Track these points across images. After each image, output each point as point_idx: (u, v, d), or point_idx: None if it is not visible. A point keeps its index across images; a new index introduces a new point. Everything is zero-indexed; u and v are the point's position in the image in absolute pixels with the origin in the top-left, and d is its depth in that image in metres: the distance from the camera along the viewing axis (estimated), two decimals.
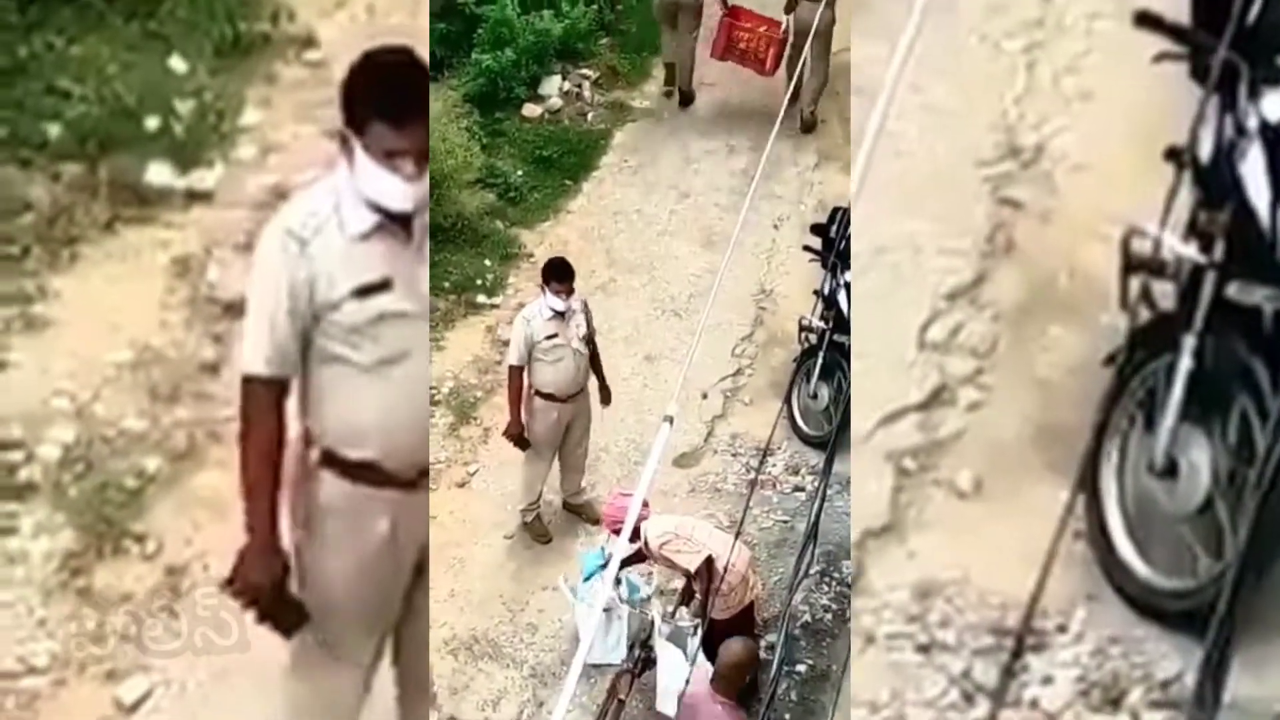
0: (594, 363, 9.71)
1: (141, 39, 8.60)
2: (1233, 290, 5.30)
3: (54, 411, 7.06)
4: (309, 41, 8.84)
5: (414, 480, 5.17)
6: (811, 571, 8.98)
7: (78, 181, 7.92)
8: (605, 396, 9.93)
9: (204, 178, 8.02)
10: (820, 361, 10.48)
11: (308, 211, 4.90)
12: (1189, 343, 5.33)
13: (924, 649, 5.59)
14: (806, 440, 10.63)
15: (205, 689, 6.44)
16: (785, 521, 10.09)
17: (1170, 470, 5.43)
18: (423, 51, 5.06)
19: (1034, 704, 5.40)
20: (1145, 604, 5.49)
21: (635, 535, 8.30)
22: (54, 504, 6.84)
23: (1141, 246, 5.42)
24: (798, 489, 10.35)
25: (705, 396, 11.05)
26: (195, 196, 7.96)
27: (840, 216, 10.86)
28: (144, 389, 7.15)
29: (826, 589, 9.54)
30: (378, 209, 4.86)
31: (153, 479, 6.94)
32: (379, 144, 4.75)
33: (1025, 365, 5.99)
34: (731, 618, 8.45)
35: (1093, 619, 5.51)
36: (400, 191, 4.81)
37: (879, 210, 6.33)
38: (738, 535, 8.02)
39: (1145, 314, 5.48)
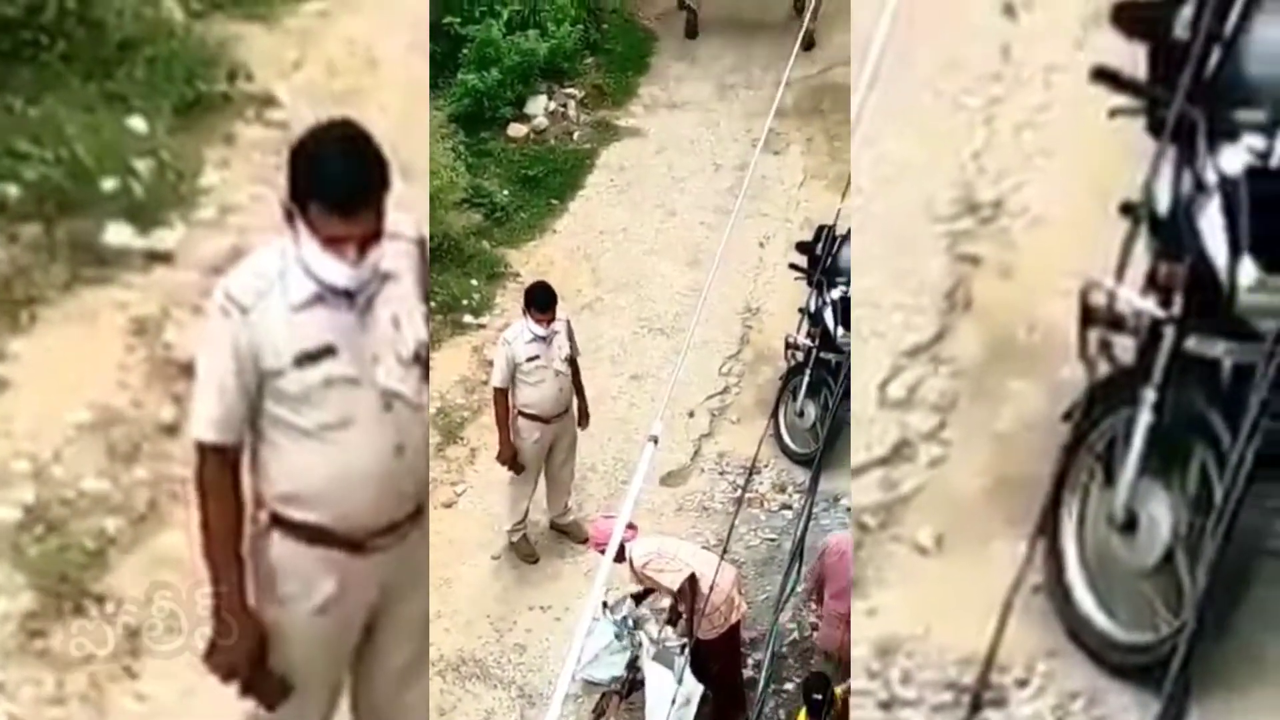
0: (575, 383, 9.71)
1: (100, 99, 8.54)
2: (1192, 343, 5.32)
3: (13, 473, 6.98)
4: (268, 101, 8.83)
5: (362, 543, 5.10)
6: (798, 589, 8.98)
7: (36, 242, 7.84)
8: (583, 419, 9.94)
9: (163, 238, 7.98)
10: (807, 379, 10.48)
11: (252, 277, 4.84)
12: (1148, 396, 5.36)
13: (885, 705, 5.59)
14: (793, 458, 10.63)
15: None
16: (772, 540, 10.09)
17: (1130, 524, 5.45)
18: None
19: None
20: (1105, 658, 5.50)
21: (620, 556, 8.28)
22: (14, 565, 6.76)
23: (1100, 300, 5.46)
24: (785, 507, 10.35)
25: (692, 415, 11.05)
26: (154, 257, 7.91)
27: (825, 234, 10.87)
28: (103, 450, 7.10)
29: (814, 606, 9.52)
30: (320, 281, 4.79)
31: (113, 540, 6.88)
32: (320, 227, 4.66)
33: (985, 420, 6.01)
34: (718, 637, 8.44)
35: (1053, 673, 5.52)
36: (342, 273, 4.74)
37: None
38: (724, 554, 8.01)
39: (1105, 367, 5.51)
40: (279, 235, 4.80)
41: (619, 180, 13.79)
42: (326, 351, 4.86)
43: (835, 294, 10.55)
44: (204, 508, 4.96)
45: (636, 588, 8.72)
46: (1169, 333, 5.33)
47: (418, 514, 5.21)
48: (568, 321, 9.64)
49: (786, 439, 10.67)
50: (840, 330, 10.41)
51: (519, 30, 14.46)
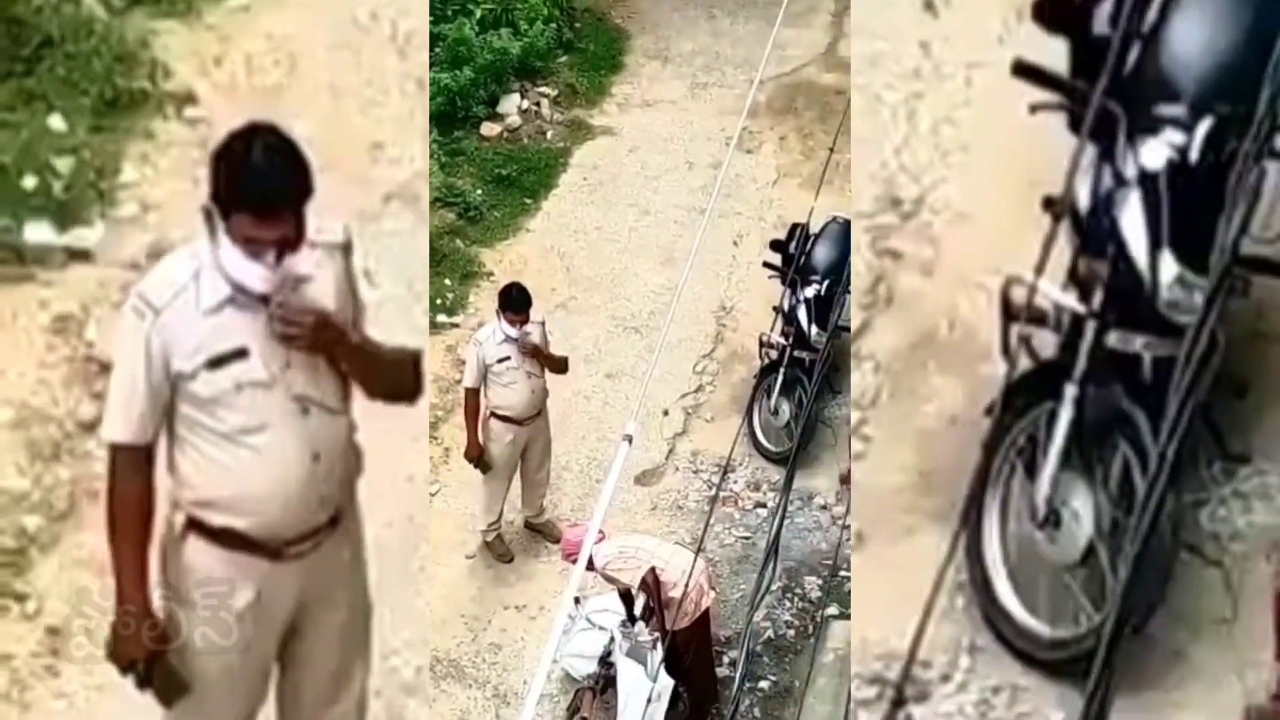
0: (547, 360, 9.65)
1: (19, 98, 8.39)
2: (1112, 339, 5.35)
3: None
4: (188, 98, 8.71)
5: (279, 550, 5.06)
6: (773, 588, 9.01)
7: None
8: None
9: (83, 236, 7.90)
10: (781, 378, 10.51)
11: (165, 280, 4.82)
12: (1069, 391, 5.38)
13: None
14: (768, 456, 10.65)
15: None
16: (747, 538, 10.10)
17: (1052, 519, 5.46)
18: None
19: None
20: (1028, 653, 5.52)
21: (593, 564, 8.34)
22: None
23: (1021, 296, 5.44)
24: (759, 505, 10.37)
25: (666, 413, 11.06)
26: (75, 255, 7.83)
27: (799, 232, 10.90)
28: (24, 448, 7.05)
29: (789, 605, 9.55)
30: (236, 284, 4.76)
31: (33, 539, 6.84)
32: (239, 230, 4.64)
33: (907, 416, 5.99)
34: (689, 625, 8.45)
35: (976, 668, 5.53)
36: (259, 276, 4.71)
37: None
38: (699, 552, 8.02)
39: (1026, 363, 5.50)
40: (199, 233, 4.78)
41: (592, 179, 13.79)
42: (238, 354, 4.82)
43: (809, 292, 10.58)
44: (112, 505, 4.96)
45: (608, 589, 8.74)
46: (1090, 328, 5.36)
47: (337, 521, 5.17)
48: (542, 323, 9.62)
49: (760, 437, 10.68)
50: (814, 329, 10.44)
51: (492, 29, 14.48)
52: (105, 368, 6.58)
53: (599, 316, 12.03)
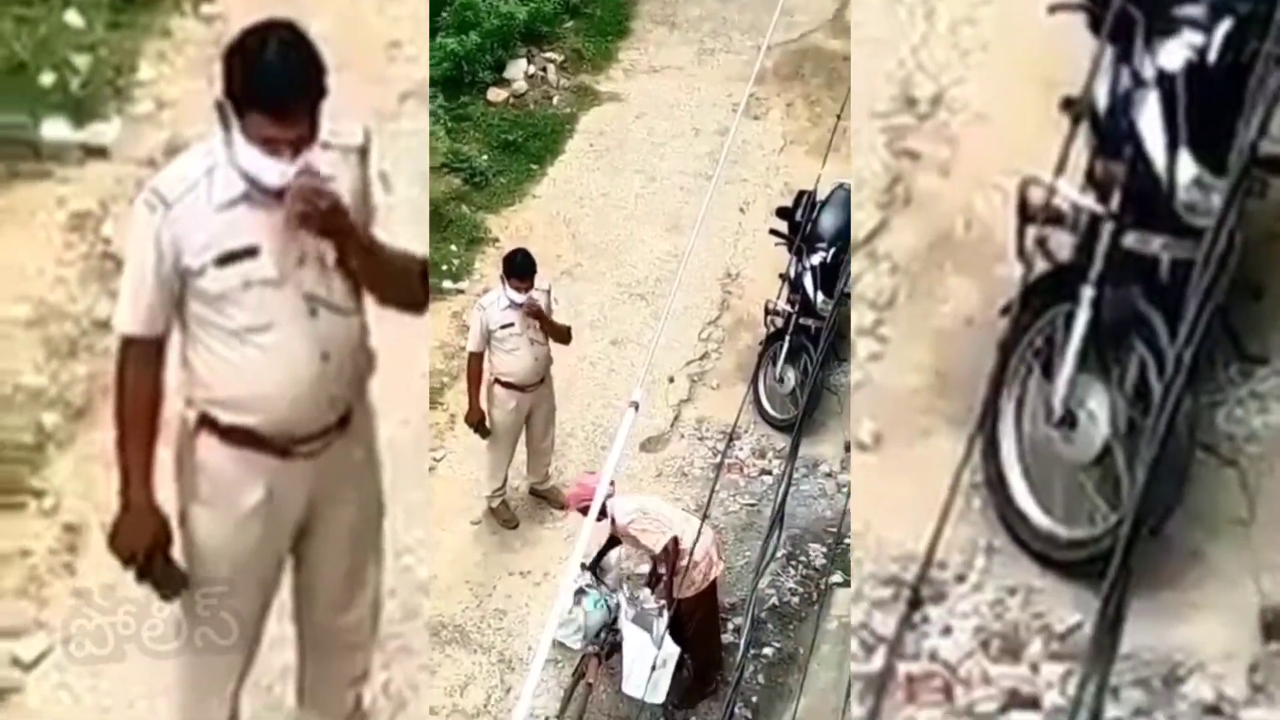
0: (552, 329, 9.63)
1: None
2: (1130, 240, 5.31)
3: None
4: None
5: (288, 449, 5.12)
6: (778, 555, 9.02)
7: None
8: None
9: (101, 133, 7.87)
10: (786, 345, 10.50)
11: (178, 175, 4.85)
12: (1086, 293, 5.35)
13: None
14: (773, 424, 10.65)
15: (105, 646, 6.41)
16: (752, 505, 10.11)
17: (1068, 420, 5.44)
18: None
19: (933, 655, 5.41)
20: (1043, 554, 5.50)
21: (602, 515, 8.29)
22: None
23: (1038, 197, 5.43)
24: (764, 473, 10.37)
25: (672, 381, 11.06)
26: (92, 152, 7.81)
27: (805, 200, 10.87)
28: (41, 345, 7.05)
29: (793, 572, 9.57)
30: (251, 180, 4.79)
31: (50, 435, 6.85)
32: (254, 129, 4.66)
33: (923, 316, 5.94)
34: (695, 595, 8.46)
35: (991, 570, 5.52)
36: (274, 170, 4.73)
37: None
38: (704, 519, 8.02)
39: (1042, 264, 5.48)
40: (215, 130, 4.79)
41: (599, 145, 13.75)
42: (248, 252, 4.86)
43: (815, 260, 10.56)
44: (119, 397, 5.00)
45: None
46: (1107, 229, 5.33)
47: (347, 421, 5.20)
48: (548, 290, 9.60)
49: (766, 405, 10.68)
50: (820, 296, 10.43)
51: None
52: (122, 265, 6.61)
53: (605, 283, 12.01)
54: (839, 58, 13.99)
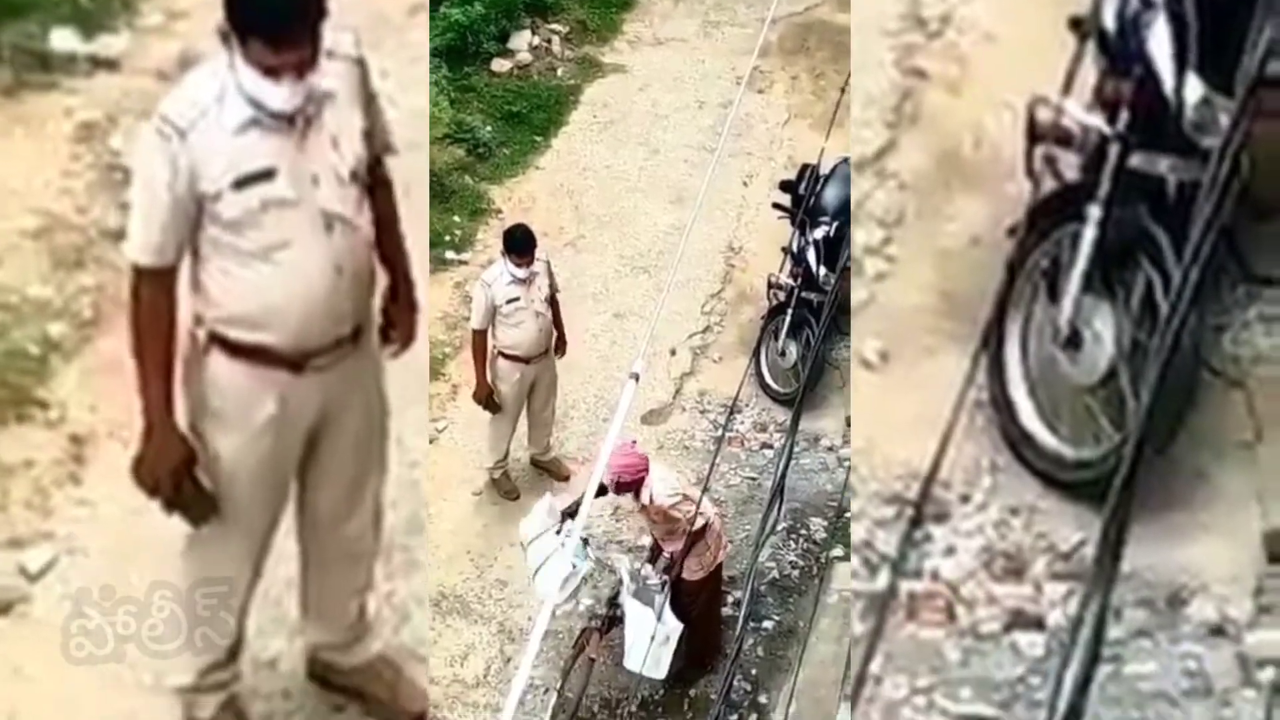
0: (555, 317, 9.69)
1: None
2: (1137, 160, 5.33)
3: None
4: None
5: (301, 363, 5.17)
6: (778, 529, 9.03)
7: None
8: (560, 347, 9.86)
9: (109, 44, 7.87)
10: (788, 319, 10.49)
11: (188, 101, 4.85)
12: (1093, 212, 5.37)
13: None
14: (774, 397, 10.65)
15: (109, 556, 6.42)
16: (753, 479, 10.12)
17: (1074, 340, 5.44)
18: None
19: (935, 574, 5.43)
20: (1048, 474, 5.51)
21: (625, 489, 8.22)
22: None
23: (1046, 116, 5.46)
24: (765, 446, 10.38)
25: (674, 353, 11.06)
26: (100, 63, 7.81)
27: (809, 174, 10.86)
28: (48, 256, 7.05)
29: (793, 545, 9.58)
30: (258, 105, 4.80)
31: (57, 346, 6.86)
32: (256, 57, 4.68)
33: (931, 235, 5.97)
34: (703, 578, 8.47)
35: (996, 489, 5.53)
36: (279, 96, 4.76)
37: None
38: (704, 492, 8.02)
39: (1050, 183, 5.51)
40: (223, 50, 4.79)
41: (602, 117, 13.72)
42: (264, 175, 4.89)
43: (818, 234, 10.55)
44: (136, 327, 5.02)
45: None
46: (1114, 149, 5.35)
47: (358, 334, 5.27)
48: (547, 261, 9.60)
49: (768, 378, 10.68)
50: (823, 270, 10.42)
51: None
52: (129, 177, 6.62)
53: (607, 255, 11.99)
54: (844, 31, 13.89)
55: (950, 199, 6.01)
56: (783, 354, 10.58)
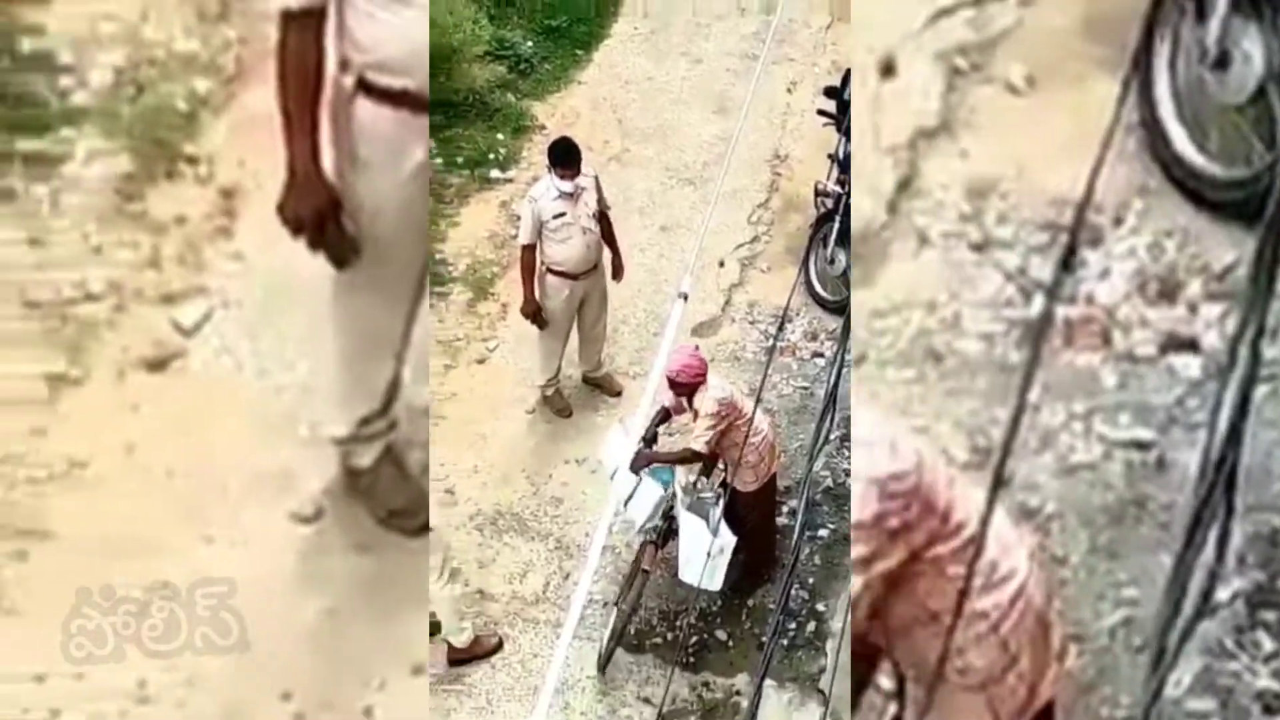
0: (607, 237, 9.66)
1: None
2: None
3: (102, 35, 6.94)
4: None
5: None
6: (832, 437, 9.00)
7: None
8: (617, 271, 9.90)
9: None
10: (836, 226, 10.41)
11: None
12: None
13: (979, 248, 5.49)
14: (824, 306, 10.61)
15: (261, 308, 6.51)
16: (805, 388, 10.11)
17: (1222, 60, 5.32)
18: None
19: (1090, 299, 5.38)
20: (1200, 195, 5.42)
21: (683, 391, 8.28)
22: (106, 129, 6.77)
23: None
24: (817, 355, 10.36)
25: (722, 265, 11.02)
26: None
27: (853, 78, 10.72)
28: (192, 8, 7.00)
29: (847, 454, 9.56)
30: None
31: (204, 101, 6.86)
32: None
33: None
34: (758, 489, 8.49)
35: (1148, 212, 5.45)
36: None
37: None
38: (758, 402, 8.01)
39: None
40: None
41: (643, 28, 13.59)
42: None
43: None
44: (282, 68, 5.05)
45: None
46: None
47: None
48: (595, 176, 9.56)
49: (817, 287, 10.63)
50: None
51: None
52: None
53: (652, 168, 11.94)
54: None
55: None
56: (831, 261, 10.52)
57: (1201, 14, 5.31)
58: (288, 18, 4.98)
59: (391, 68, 5.04)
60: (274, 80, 5.04)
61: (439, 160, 11.47)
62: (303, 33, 4.97)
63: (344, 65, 5.11)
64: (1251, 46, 5.22)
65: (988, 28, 5.78)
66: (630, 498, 8.33)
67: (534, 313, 9.58)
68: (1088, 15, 5.63)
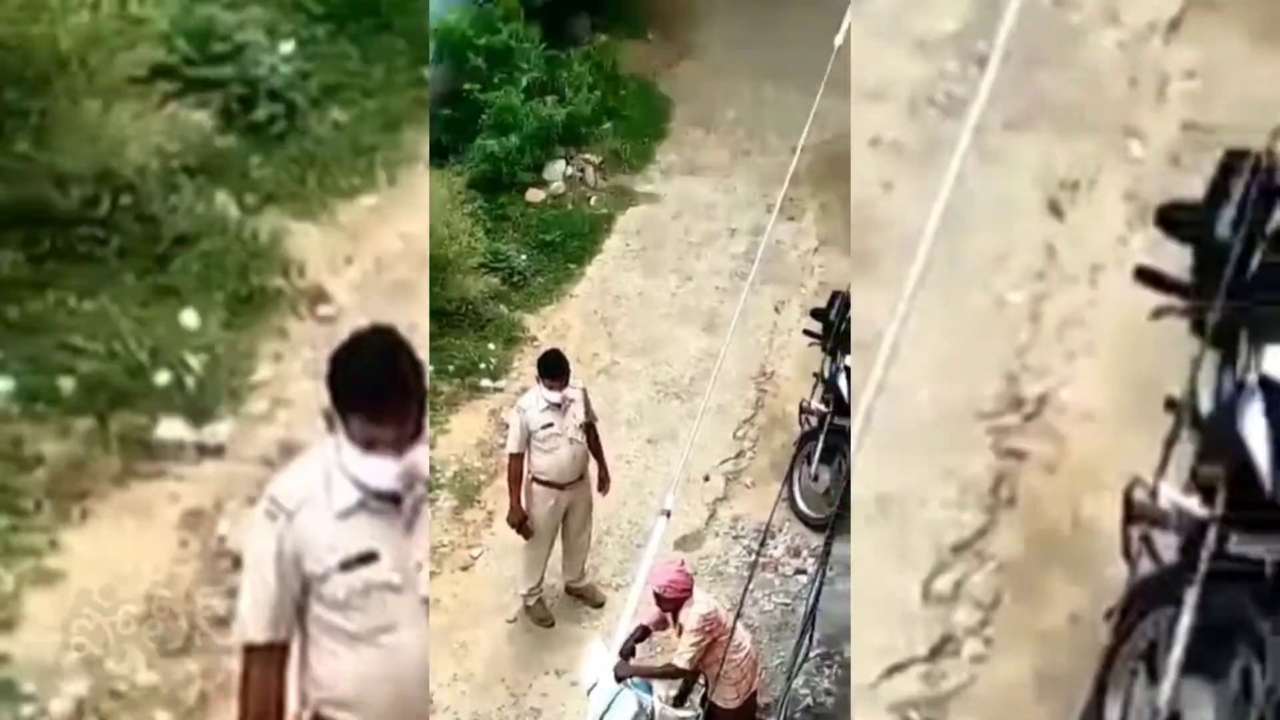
0: (594, 448, 9.79)
1: (153, 294, 8.60)
2: (1234, 543, 5.30)
3: (66, 665, 7.04)
4: (320, 296, 8.87)
5: None
6: (812, 655, 9.01)
7: (89, 435, 7.91)
8: (603, 483, 10.00)
9: (215, 432, 8.02)
10: (821, 444, 10.55)
11: (297, 482, 4.94)
12: (1191, 596, 5.31)
13: None
14: (807, 522, 10.68)
15: None
16: (787, 604, 10.13)
17: None
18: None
19: None
20: None
21: (669, 607, 8.30)
22: None
23: (1143, 498, 5.45)
24: (799, 571, 10.39)
25: (707, 479, 11.11)
26: (206, 451, 7.96)
27: (839, 300, 10.97)
28: (155, 642, 7.15)
29: (828, 673, 9.55)
30: (363, 486, 4.87)
31: None
32: (359, 433, 4.76)
33: (1029, 617, 6.06)
34: (739, 706, 8.45)
35: None
36: (385, 472, 4.81)
37: (881, 462, 6.42)
38: (738, 618, 8.05)
39: (1147, 565, 5.48)
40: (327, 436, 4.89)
41: (635, 245, 13.92)
42: (369, 557, 4.90)
43: (849, 359, 10.62)
44: (244, 704, 5.00)
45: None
46: (1211, 531, 5.31)
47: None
48: (584, 389, 9.73)
49: (800, 504, 10.71)
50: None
51: (538, 96, 14.60)
52: (237, 562, 6.80)
53: (641, 381, 12.11)
54: None
55: (1047, 581, 6.10)
56: (815, 479, 10.63)
57: (1154, 675, 5.45)
58: (250, 652, 5.05)
59: (347, 704, 5.05)
60: (234, 714, 5.12)
61: (430, 368, 11.63)
62: (265, 666, 4.99)
63: (303, 700, 5.18)
64: (1203, 711, 5.37)
65: (940, 683, 6.03)
66: (607, 711, 8.29)
67: (520, 521, 9.64)
68: (1041, 673, 5.87)
